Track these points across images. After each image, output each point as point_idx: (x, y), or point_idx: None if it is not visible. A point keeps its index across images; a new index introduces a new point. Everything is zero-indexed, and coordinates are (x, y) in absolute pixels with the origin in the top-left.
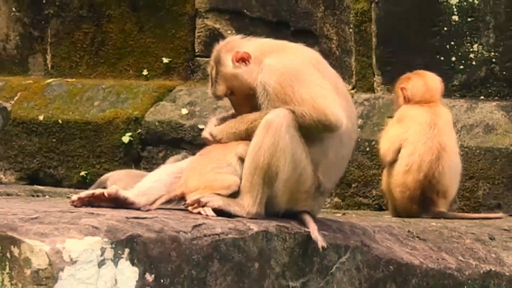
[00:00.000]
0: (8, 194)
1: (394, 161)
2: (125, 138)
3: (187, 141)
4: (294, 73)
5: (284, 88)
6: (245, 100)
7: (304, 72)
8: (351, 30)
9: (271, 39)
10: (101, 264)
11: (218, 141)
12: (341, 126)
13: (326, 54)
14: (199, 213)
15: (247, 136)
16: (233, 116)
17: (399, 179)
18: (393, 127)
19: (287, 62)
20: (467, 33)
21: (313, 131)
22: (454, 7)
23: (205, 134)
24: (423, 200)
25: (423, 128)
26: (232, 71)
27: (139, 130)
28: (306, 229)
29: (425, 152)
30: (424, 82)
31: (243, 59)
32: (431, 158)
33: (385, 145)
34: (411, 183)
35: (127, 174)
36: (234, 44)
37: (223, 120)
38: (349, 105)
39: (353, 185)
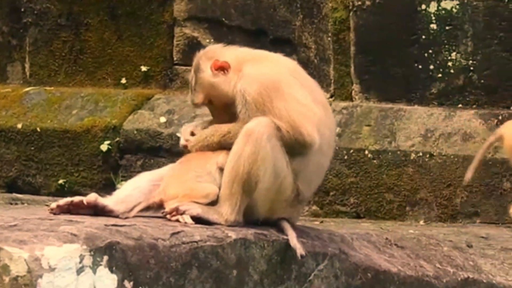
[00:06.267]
0: None
1: None
2: (104, 147)
3: (166, 149)
4: (274, 84)
5: (264, 99)
6: (223, 109)
7: (283, 83)
8: (329, 38)
9: (251, 49)
10: (79, 271)
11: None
12: (314, 146)
13: (305, 63)
14: (177, 220)
15: (219, 148)
16: (209, 123)
17: None
18: None
19: (266, 71)
20: (445, 41)
21: (286, 147)
22: (432, 15)
23: (182, 142)
24: None
25: None
26: (210, 79)
27: (118, 139)
28: (285, 237)
29: None
30: None
31: (222, 68)
32: None
33: None
34: None
35: None
36: (214, 52)
37: (196, 127)
38: (327, 114)
39: (331, 193)
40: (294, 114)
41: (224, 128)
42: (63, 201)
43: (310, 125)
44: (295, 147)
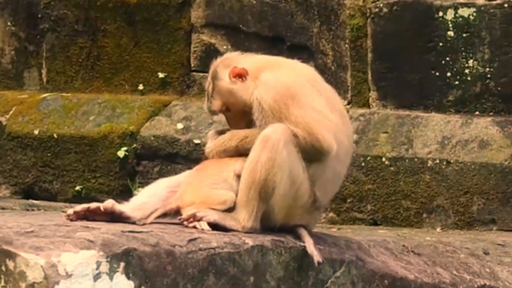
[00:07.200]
0: (3, 208)
1: None
2: (121, 153)
3: (183, 156)
4: (291, 91)
5: (280, 106)
6: (240, 116)
7: (300, 90)
8: (346, 45)
9: (268, 56)
10: (96, 277)
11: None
12: (331, 152)
13: (322, 70)
14: (194, 227)
15: (236, 153)
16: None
17: None
18: None
19: (283, 78)
20: (463, 48)
21: (303, 154)
22: (449, 22)
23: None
24: None
25: None
26: (228, 87)
27: (135, 145)
28: (302, 244)
29: None
30: None
31: (240, 75)
32: None
33: None
34: None
35: None
36: (231, 60)
37: (220, 133)
38: (345, 122)
39: (348, 200)
40: (310, 121)
41: (241, 133)
42: (79, 207)
43: (326, 132)
44: (311, 153)
